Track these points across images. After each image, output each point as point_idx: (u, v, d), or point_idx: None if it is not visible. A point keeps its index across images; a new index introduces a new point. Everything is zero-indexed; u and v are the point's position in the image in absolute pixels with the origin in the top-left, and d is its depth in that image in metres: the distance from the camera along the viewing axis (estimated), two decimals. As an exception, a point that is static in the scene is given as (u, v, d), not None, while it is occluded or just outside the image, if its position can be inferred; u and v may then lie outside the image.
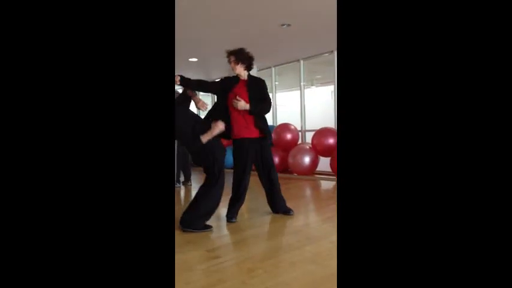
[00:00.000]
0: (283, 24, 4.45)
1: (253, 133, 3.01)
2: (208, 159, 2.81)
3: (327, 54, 6.03)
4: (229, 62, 2.99)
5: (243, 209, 3.34)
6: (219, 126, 2.77)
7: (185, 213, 2.84)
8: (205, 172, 2.90)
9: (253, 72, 7.03)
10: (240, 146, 3.00)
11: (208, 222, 2.87)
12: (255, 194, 4.06)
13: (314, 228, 2.84)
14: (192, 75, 8.40)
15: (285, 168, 6.11)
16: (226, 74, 7.55)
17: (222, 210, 3.26)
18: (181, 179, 5.27)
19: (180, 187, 5.20)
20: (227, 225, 3.03)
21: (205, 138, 2.71)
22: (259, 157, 3.08)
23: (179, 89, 3.48)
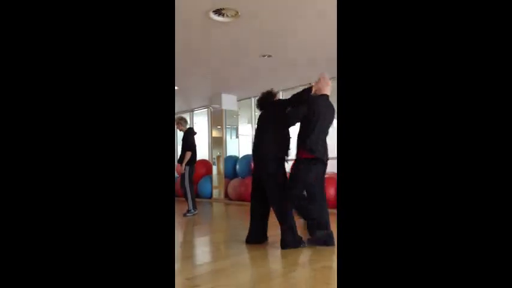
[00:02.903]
0: (264, 55, 4.56)
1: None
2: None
3: (303, 87, 6.17)
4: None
5: (220, 238, 3.25)
6: None
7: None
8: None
9: (234, 102, 7.11)
10: None
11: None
12: (233, 221, 3.97)
13: (298, 256, 2.78)
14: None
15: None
16: (205, 103, 7.64)
17: (199, 239, 3.15)
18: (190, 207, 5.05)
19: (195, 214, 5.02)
20: (205, 254, 2.93)
21: None
22: None
23: None
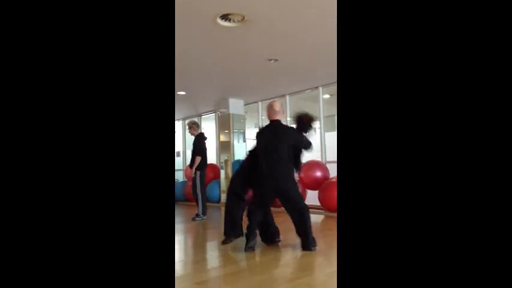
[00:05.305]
0: (270, 59, 4.57)
1: None
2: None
3: (309, 91, 6.21)
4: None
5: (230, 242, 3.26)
6: None
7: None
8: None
9: (241, 106, 7.13)
10: None
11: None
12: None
13: (307, 261, 2.77)
14: (180, 108, 8.41)
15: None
16: (213, 108, 7.69)
17: (207, 243, 3.14)
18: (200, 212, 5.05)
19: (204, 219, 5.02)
20: (215, 258, 2.93)
21: None
22: None
23: None
